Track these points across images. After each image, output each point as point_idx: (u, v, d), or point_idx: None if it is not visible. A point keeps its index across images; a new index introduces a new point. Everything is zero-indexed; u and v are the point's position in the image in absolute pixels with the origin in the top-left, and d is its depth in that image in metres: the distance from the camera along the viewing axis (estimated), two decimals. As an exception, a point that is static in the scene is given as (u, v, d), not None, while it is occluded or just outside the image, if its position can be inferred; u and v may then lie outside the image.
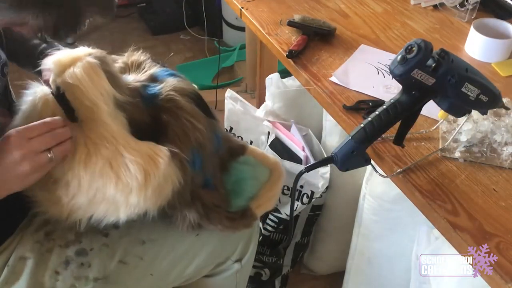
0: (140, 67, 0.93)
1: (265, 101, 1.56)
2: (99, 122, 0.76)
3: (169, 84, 0.87)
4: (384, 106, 0.76)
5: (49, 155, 0.72)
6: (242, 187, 0.96)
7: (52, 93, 0.77)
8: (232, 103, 1.52)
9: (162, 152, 0.78)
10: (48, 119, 0.74)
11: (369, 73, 1.07)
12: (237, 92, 1.60)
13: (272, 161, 1.04)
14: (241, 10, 1.29)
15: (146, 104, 0.84)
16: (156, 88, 0.86)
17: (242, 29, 2.41)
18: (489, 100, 0.77)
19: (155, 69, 0.91)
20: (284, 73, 1.47)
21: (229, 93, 1.55)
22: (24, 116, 0.76)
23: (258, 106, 1.61)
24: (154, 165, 0.76)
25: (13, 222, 0.86)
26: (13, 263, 0.82)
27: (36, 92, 0.77)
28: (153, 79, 0.88)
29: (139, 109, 0.82)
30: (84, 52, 0.78)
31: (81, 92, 0.76)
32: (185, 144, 0.83)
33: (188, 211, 0.87)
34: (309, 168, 0.82)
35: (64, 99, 0.76)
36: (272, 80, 1.49)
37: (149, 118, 0.83)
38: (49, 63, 0.77)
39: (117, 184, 0.75)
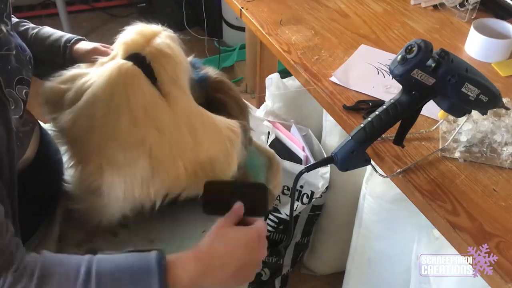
0: None
1: (265, 101, 1.56)
2: (182, 94, 0.78)
3: (211, 69, 0.92)
4: (384, 106, 0.76)
5: None
6: (256, 173, 1.01)
7: (139, 64, 0.76)
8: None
9: (236, 124, 0.83)
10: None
11: (369, 73, 1.07)
12: (237, 92, 1.60)
13: (270, 151, 1.10)
14: (241, 10, 1.29)
15: (197, 86, 0.87)
16: (202, 72, 0.90)
17: (242, 29, 2.41)
18: (489, 100, 0.77)
19: (190, 58, 0.93)
20: (284, 73, 1.47)
21: (229, 93, 1.55)
22: (104, 88, 0.75)
23: (258, 106, 1.61)
24: (234, 135, 0.81)
25: (35, 221, 0.85)
26: None
27: (117, 64, 0.76)
28: (192, 65, 0.91)
29: (195, 89, 0.85)
30: (159, 27, 0.81)
31: (169, 62, 0.77)
32: (243, 119, 0.89)
33: None
34: (309, 168, 0.82)
35: (149, 70, 0.77)
36: (272, 80, 1.49)
37: (202, 99, 0.86)
38: (130, 34, 0.78)
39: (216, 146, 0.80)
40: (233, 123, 0.83)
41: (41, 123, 1.02)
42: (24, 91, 0.73)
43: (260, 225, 0.69)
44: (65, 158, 0.87)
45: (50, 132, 0.89)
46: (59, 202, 0.87)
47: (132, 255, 0.62)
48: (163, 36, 0.79)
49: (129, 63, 0.76)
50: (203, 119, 0.80)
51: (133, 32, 0.79)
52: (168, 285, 0.59)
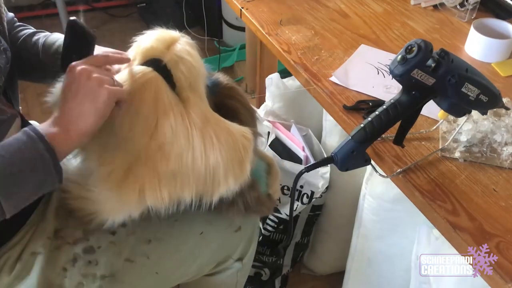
0: None
1: (265, 101, 1.56)
2: (200, 100, 0.79)
3: (221, 75, 0.93)
4: (384, 106, 0.76)
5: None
6: (257, 177, 1.01)
7: (158, 69, 0.77)
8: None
9: (248, 130, 0.83)
10: (108, 51, 0.76)
11: (369, 73, 1.07)
12: (237, 92, 1.60)
13: (269, 157, 1.10)
14: (241, 10, 1.29)
15: (209, 92, 0.87)
16: (212, 78, 0.91)
17: (242, 29, 2.41)
18: (489, 100, 0.77)
19: None
20: (284, 73, 1.47)
21: (229, 93, 1.55)
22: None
23: (258, 106, 1.61)
24: (247, 141, 0.82)
25: (23, 214, 0.85)
26: (26, 257, 0.82)
27: (137, 70, 0.77)
28: None
29: (207, 95, 0.85)
30: (177, 33, 0.82)
31: (189, 69, 0.78)
32: (253, 126, 0.89)
33: (247, 191, 0.90)
34: (309, 168, 0.82)
35: (168, 75, 0.78)
36: (272, 80, 1.49)
37: (213, 105, 0.87)
38: (149, 40, 0.79)
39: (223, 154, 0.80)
40: (246, 130, 0.84)
41: (35, 123, 1.02)
42: None
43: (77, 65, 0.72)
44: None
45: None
46: (52, 197, 0.87)
47: (10, 139, 0.68)
48: (183, 43, 0.80)
49: (149, 69, 0.77)
50: (219, 125, 0.81)
51: (153, 38, 0.79)
52: (49, 143, 0.68)
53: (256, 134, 0.87)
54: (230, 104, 0.90)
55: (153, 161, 0.76)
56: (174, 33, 0.81)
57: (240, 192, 0.86)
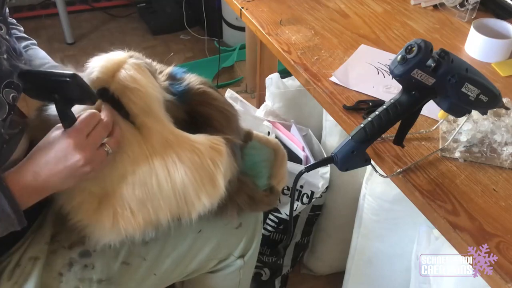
0: None
1: (265, 101, 1.56)
2: (157, 123, 0.77)
3: (193, 79, 0.89)
4: (384, 106, 0.76)
5: (106, 149, 0.72)
6: (258, 170, 0.99)
7: (107, 99, 0.75)
8: (232, 103, 1.51)
9: (220, 140, 0.80)
10: (92, 110, 0.73)
11: (369, 73, 1.07)
12: (237, 92, 1.60)
13: (274, 142, 1.08)
14: (241, 10, 1.29)
15: (179, 101, 0.84)
16: (182, 84, 0.87)
17: (242, 29, 2.41)
18: (489, 100, 0.77)
19: (170, 68, 0.90)
20: (284, 73, 1.47)
21: (229, 93, 1.55)
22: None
23: (258, 106, 1.61)
24: (218, 154, 0.79)
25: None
26: (24, 263, 0.82)
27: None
28: (173, 77, 0.88)
29: (176, 107, 0.83)
30: (124, 55, 0.78)
31: (137, 95, 0.75)
32: (230, 132, 0.86)
33: (237, 196, 0.89)
34: (309, 168, 0.82)
35: (119, 105, 0.76)
36: (272, 80, 1.49)
37: (185, 115, 0.84)
38: (93, 71, 0.75)
39: (188, 176, 0.77)
40: (216, 141, 0.80)
41: None
42: (12, 95, 0.73)
43: (65, 132, 0.71)
44: None
45: None
46: (51, 203, 0.87)
47: None
48: (128, 67, 0.76)
49: (98, 100, 0.75)
50: (182, 144, 0.78)
51: (97, 67, 0.76)
52: (11, 190, 0.67)
53: (231, 141, 0.83)
54: (202, 111, 0.86)
55: (120, 191, 0.76)
56: (119, 58, 0.77)
57: (229, 197, 0.85)
